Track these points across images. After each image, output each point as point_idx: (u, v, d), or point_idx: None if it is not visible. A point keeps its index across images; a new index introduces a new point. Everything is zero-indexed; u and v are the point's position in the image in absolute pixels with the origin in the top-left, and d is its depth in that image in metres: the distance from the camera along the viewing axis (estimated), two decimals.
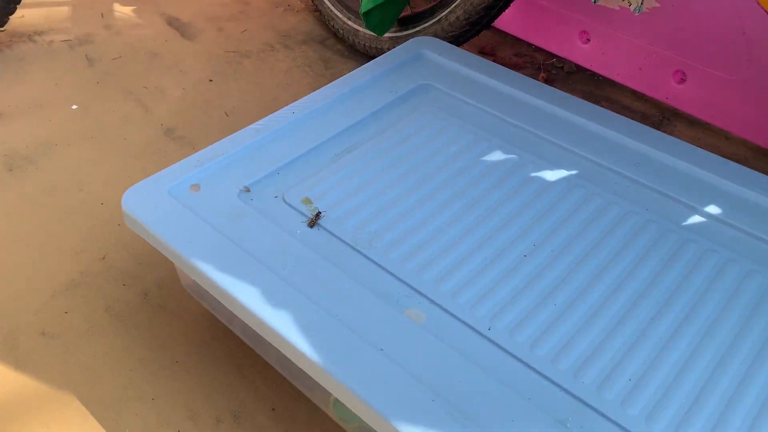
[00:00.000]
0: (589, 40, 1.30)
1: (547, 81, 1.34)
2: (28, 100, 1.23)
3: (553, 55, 1.39)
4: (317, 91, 0.93)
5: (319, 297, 0.65)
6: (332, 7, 1.40)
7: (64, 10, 1.51)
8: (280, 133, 0.85)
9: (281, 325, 0.62)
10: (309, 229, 0.73)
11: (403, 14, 1.27)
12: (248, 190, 0.78)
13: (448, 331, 0.64)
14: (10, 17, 1.34)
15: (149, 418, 0.77)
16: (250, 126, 0.86)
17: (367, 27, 1.21)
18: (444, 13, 1.18)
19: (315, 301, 0.65)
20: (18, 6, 1.34)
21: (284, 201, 0.77)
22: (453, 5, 1.16)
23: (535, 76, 1.35)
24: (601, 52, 1.29)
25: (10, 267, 0.93)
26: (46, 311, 0.88)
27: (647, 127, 0.88)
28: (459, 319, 0.65)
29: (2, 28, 1.35)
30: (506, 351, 0.62)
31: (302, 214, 0.75)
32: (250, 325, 0.65)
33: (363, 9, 1.18)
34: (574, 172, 0.82)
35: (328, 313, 0.63)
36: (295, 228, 0.73)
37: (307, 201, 0.77)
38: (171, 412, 0.77)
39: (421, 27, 1.23)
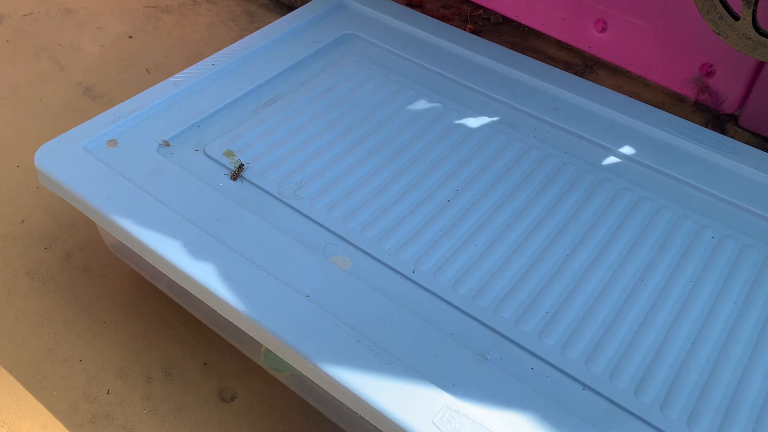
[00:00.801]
0: None
1: (474, 32, 1.34)
2: None
3: (480, 7, 1.39)
4: (237, 42, 0.91)
5: (244, 248, 0.65)
6: None
7: None
8: (199, 86, 0.84)
9: (206, 277, 0.62)
10: (232, 181, 0.73)
11: None
12: (168, 144, 0.76)
13: (374, 275, 0.65)
14: None
15: (77, 379, 0.76)
16: (168, 79, 0.83)
17: None
18: None
19: (240, 252, 0.64)
20: None
21: (205, 154, 0.75)
22: None
23: (462, 28, 1.35)
24: (525, 3, 1.30)
25: None
26: None
27: (567, 74, 0.90)
28: (384, 264, 0.66)
29: None
30: (429, 291, 0.63)
31: (224, 166, 0.74)
32: (175, 280, 0.65)
33: None
34: (495, 118, 0.83)
35: (254, 264, 0.63)
36: (218, 181, 0.72)
37: (230, 153, 0.75)
38: (99, 372, 0.76)
39: None
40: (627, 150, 0.80)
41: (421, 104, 0.85)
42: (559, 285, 0.65)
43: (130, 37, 1.27)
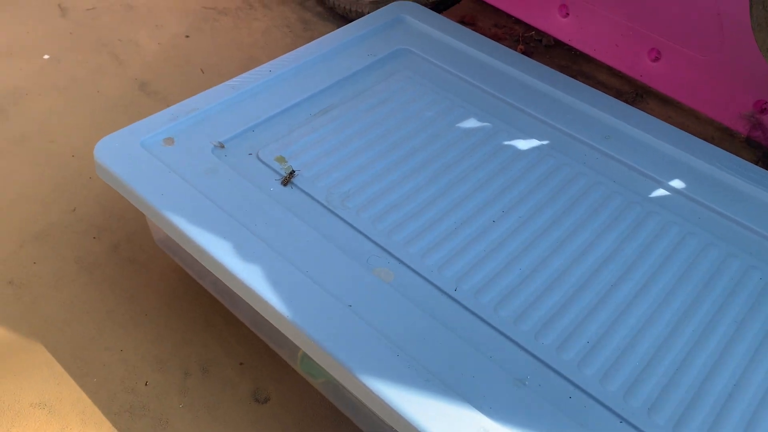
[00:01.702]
0: (568, 14, 1.30)
1: (525, 53, 1.34)
2: None
3: (533, 28, 1.39)
4: (295, 50, 0.92)
5: (290, 253, 0.66)
6: None
7: None
8: (256, 91, 0.85)
9: (252, 279, 0.63)
10: (282, 187, 0.74)
11: None
12: (222, 146, 0.78)
13: (416, 290, 0.65)
14: None
15: (117, 369, 0.77)
16: (226, 82, 0.85)
17: None
18: None
19: (286, 256, 0.65)
20: None
21: (258, 158, 0.77)
22: None
23: (513, 48, 1.35)
24: (579, 27, 1.30)
25: None
26: (14, 261, 0.87)
27: (619, 102, 0.89)
28: (426, 280, 0.66)
29: None
30: (471, 311, 0.64)
31: (276, 171, 0.76)
32: (221, 279, 0.66)
33: None
34: (545, 142, 0.83)
35: (299, 269, 0.64)
36: (269, 185, 0.74)
37: (281, 159, 0.77)
38: (139, 364, 0.78)
39: None
40: (676, 183, 0.79)
41: (470, 123, 0.85)
42: (601, 315, 0.65)
43: (187, 36, 1.30)
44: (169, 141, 0.77)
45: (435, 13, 1.02)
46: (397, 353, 0.58)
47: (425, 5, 1.18)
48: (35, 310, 0.82)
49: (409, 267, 0.67)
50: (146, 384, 0.77)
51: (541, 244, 0.71)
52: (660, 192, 0.78)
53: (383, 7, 1.03)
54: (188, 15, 1.36)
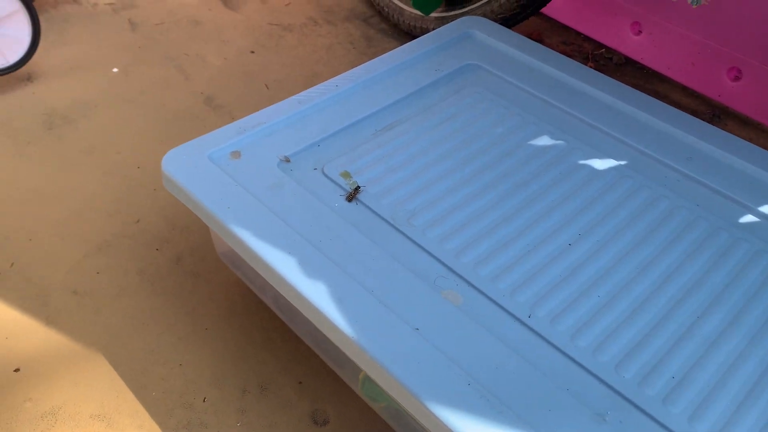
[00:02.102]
0: (641, 31, 1.26)
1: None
2: (70, 60, 1.23)
3: (602, 46, 1.35)
4: (362, 65, 0.91)
5: (355, 271, 0.64)
6: None
7: None
8: (322, 106, 0.84)
9: (316, 296, 0.61)
10: (347, 203, 0.72)
11: None
12: (288, 161, 0.76)
13: (486, 315, 0.62)
14: None
15: (175, 383, 0.76)
16: (292, 97, 0.84)
17: (414, 5, 1.19)
18: None
19: (351, 275, 0.63)
20: None
21: (323, 173, 0.75)
22: None
23: None
24: (652, 45, 1.25)
25: (45, 225, 0.93)
26: (79, 270, 0.88)
27: (701, 121, 0.85)
28: (498, 305, 0.63)
29: None
30: (546, 340, 0.60)
31: (341, 187, 0.74)
32: (284, 294, 0.64)
33: None
34: (623, 162, 0.79)
35: (364, 287, 0.62)
36: (334, 201, 0.72)
37: (347, 175, 0.75)
38: (197, 379, 0.77)
39: (470, 8, 1.20)
40: (767, 209, 0.74)
41: (543, 140, 0.82)
42: (687, 348, 0.60)
43: (252, 52, 1.31)
44: (236, 154, 0.76)
45: (504, 27, 1.00)
46: (468, 381, 0.55)
47: (494, 20, 1.16)
48: (97, 320, 0.82)
49: (479, 290, 0.64)
50: (204, 400, 0.75)
51: (621, 269, 0.67)
52: (749, 218, 0.73)
53: (451, 23, 1.01)
54: (254, 31, 1.37)
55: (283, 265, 0.63)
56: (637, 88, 1.27)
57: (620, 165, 0.79)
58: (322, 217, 0.69)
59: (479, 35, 0.98)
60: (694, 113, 1.22)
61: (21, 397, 0.74)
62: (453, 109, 0.86)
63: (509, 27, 1.18)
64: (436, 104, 0.87)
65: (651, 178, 0.77)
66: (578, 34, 1.40)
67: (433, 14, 1.26)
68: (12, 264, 0.87)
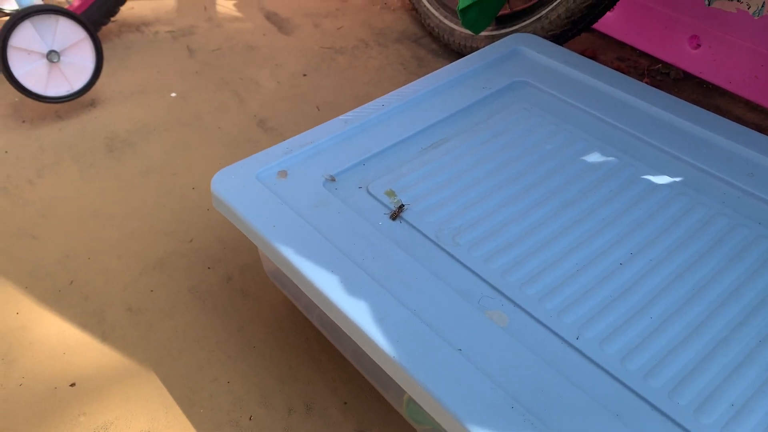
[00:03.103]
0: (699, 45, 1.22)
1: None
2: (132, 86, 1.28)
3: (659, 61, 1.32)
4: (408, 84, 0.91)
5: (399, 290, 0.63)
6: (428, 5, 1.38)
7: (170, 3, 1.57)
8: (368, 125, 0.84)
9: (359, 315, 0.60)
10: (391, 221, 0.72)
11: (501, 12, 1.24)
12: (333, 180, 0.77)
13: (533, 336, 0.60)
14: (121, 8, 1.40)
15: (223, 400, 0.77)
16: (339, 117, 0.85)
17: (464, 25, 1.18)
18: (545, 11, 1.13)
19: (394, 294, 0.63)
20: None
21: (368, 192, 0.75)
22: (555, 3, 1.12)
23: None
24: (712, 58, 1.21)
25: (105, 244, 0.96)
26: (134, 288, 0.90)
27: (763, 136, 0.81)
28: (544, 326, 0.61)
29: (113, 19, 1.41)
30: (595, 363, 0.58)
31: (385, 205, 0.74)
32: (328, 314, 0.64)
33: (460, 6, 1.15)
34: (678, 179, 0.76)
35: (407, 308, 0.61)
36: (378, 219, 0.72)
37: (391, 193, 0.75)
38: (245, 397, 0.78)
39: (520, 26, 1.19)
40: None
41: (594, 157, 0.80)
42: (749, 374, 0.57)
43: (305, 75, 1.33)
44: (283, 174, 0.77)
45: (554, 44, 0.98)
46: (512, 405, 0.53)
47: (544, 37, 1.14)
48: (150, 336, 0.84)
49: (525, 311, 0.62)
50: (250, 419, 0.76)
51: (676, 290, 0.64)
52: None
53: (500, 40, 1.00)
54: (306, 55, 1.40)
55: (325, 283, 0.63)
56: (696, 104, 1.23)
57: (675, 182, 0.76)
58: (366, 236, 0.69)
59: (528, 52, 0.97)
60: (758, 128, 1.17)
61: (76, 411, 0.76)
62: (501, 126, 0.85)
63: (560, 44, 1.16)
64: (484, 121, 0.86)
65: (709, 196, 0.74)
66: (633, 49, 1.36)
67: (484, 33, 1.26)
68: (71, 281, 0.91)
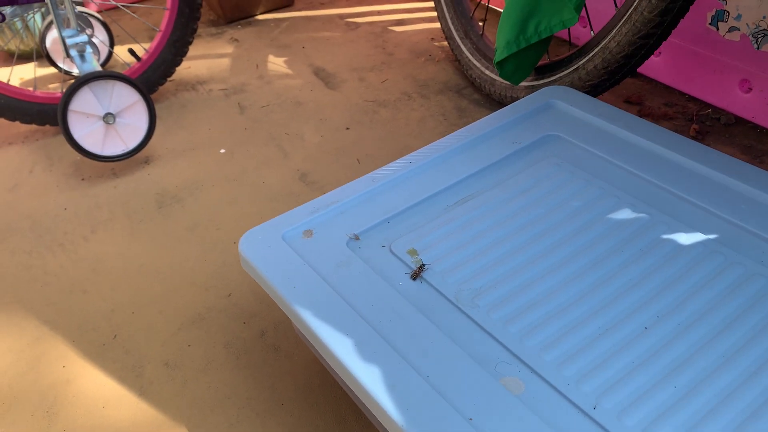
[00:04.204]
0: (750, 89, 1.17)
1: (701, 133, 1.22)
2: (184, 143, 1.34)
3: (709, 105, 1.27)
4: (438, 140, 0.92)
5: (414, 355, 0.63)
6: (470, 56, 1.40)
7: (225, 62, 1.65)
8: (395, 183, 0.85)
9: (370, 381, 0.60)
10: (411, 281, 0.72)
11: (540, 63, 1.24)
12: (357, 238, 0.78)
13: (548, 405, 0.58)
14: (177, 68, 1.48)
15: None
16: (367, 175, 0.86)
17: (502, 76, 1.19)
18: (581, 62, 1.12)
19: (408, 359, 0.62)
20: (184, 59, 1.48)
21: (390, 251, 0.75)
22: (591, 54, 1.11)
23: (686, 128, 1.24)
24: (764, 102, 1.16)
25: (148, 298, 1.00)
26: (172, 343, 0.93)
27: None
28: (561, 394, 0.59)
29: (170, 78, 1.49)
30: None
31: (407, 265, 0.74)
32: (342, 377, 0.64)
33: (497, 58, 1.16)
34: (713, 236, 0.73)
35: (420, 375, 0.61)
36: (398, 279, 0.72)
37: (413, 252, 0.75)
38: None
39: (558, 76, 1.18)
40: None
41: (625, 213, 0.78)
42: None
43: (347, 128, 1.36)
44: (308, 233, 0.79)
45: (588, 96, 0.97)
46: None
47: (582, 88, 1.13)
48: (185, 392, 0.86)
49: (542, 377, 0.61)
50: None
51: (705, 357, 0.60)
52: None
53: (533, 93, 0.99)
54: (350, 109, 1.43)
55: (339, 347, 0.64)
56: (748, 150, 1.18)
57: (709, 239, 0.73)
58: (385, 297, 0.69)
59: (561, 105, 0.96)
60: None
61: None
62: (530, 182, 0.84)
63: (599, 93, 1.14)
64: (513, 177, 0.86)
65: (746, 254, 0.70)
66: (682, 94, 1.33)
67: (523, 83, 1.26)
68: (115, 336, 0.94)
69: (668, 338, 0.63)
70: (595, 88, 1.12)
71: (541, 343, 0.64)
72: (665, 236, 0.74)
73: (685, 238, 0.73)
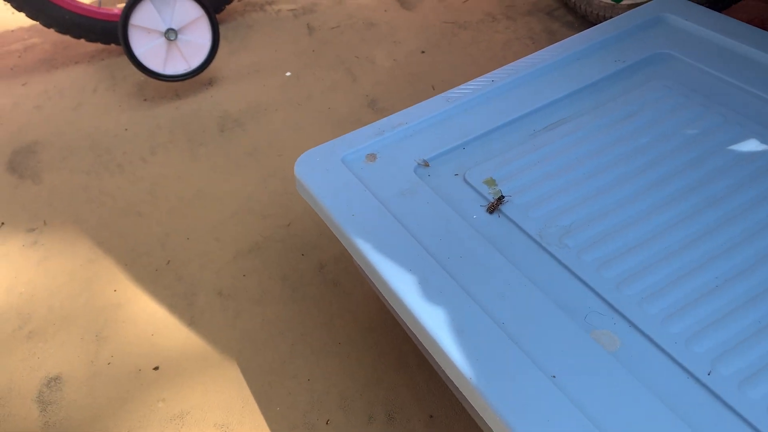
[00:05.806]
0: None
1: None
2: (249, 65, 1.27)
3: None
4: (526, 57, 0.80)
5: (487, 298, 0.53)
6: None
7: None
8: (473, 103, 0.74)
9: (434, 324, 0.52)
10: (488, 215, 0.62)
11: None
12: (427, 165, 0.68)
13: (650, 367, 0.48)
14: None
15: (301, 400, 0.72)
16: (440, 94, 0.76)
17: None
18: None
19: (480, 302, 0.53)
20: None
21: (465, 180, 0.65)
22: None
23: None
24: None
25: (204, 224, 0.94)
26: (227, 272, 0.87)
27: None
28: (667, 354, 0.49)
29: None
30: (731, 408, 0.45)
31: (483, 196, 0.64)
32: (403, 318, 0.56)
33: None
34: None
35: (494, 320, 0.52)
36: (472, 212, 0.62)
37: (491, 182, 0.65)
38: (323, 398, 0.72)
39: None
40: None
41: (749, 145, 0.64)
42: None
43: (423, 52, 1.25)
44: (372, 157, 0.70)
45: (707, 9, 0.82)
46: None
47: (699, 2, 0.97)
48: (236, 324, 0.81)
49: (643, 333, 0.50)
50: (327, 422, 0.69)
51: None
52: None
53: (642, 5, 0.85)
54: (427, 30, 1.31)
55: (401, 284, 0.55)
56: None
57: None
58: (455, 231, 0.60)
59: (674, 19, 0.82)
60: None
61: (156, 397, 0.74)
62: (634, 106, 0.71)
63: (718, 11, 0.98)
64: (613, 100, 0.73)
65: None
66: None
67: (626, 2, 1.10)
68: (168, 261, 0.89)
69: None
70: (714, 5, 0.96)
71: (642, 292, 0.53)
72: None
73: None
